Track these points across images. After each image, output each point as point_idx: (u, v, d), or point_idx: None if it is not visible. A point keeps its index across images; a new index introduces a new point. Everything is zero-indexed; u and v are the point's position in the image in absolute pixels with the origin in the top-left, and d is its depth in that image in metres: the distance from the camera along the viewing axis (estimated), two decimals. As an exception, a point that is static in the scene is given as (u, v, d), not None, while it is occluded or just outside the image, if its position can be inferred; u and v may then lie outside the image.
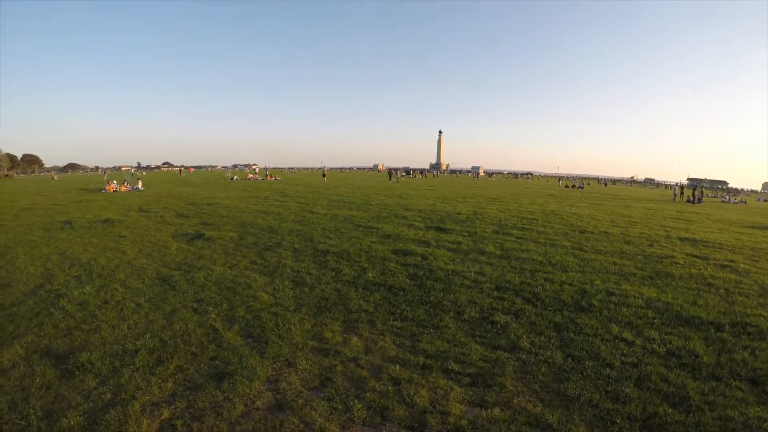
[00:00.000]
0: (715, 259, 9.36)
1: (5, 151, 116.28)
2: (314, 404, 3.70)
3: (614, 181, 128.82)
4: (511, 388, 4.03)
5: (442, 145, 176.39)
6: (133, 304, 6.11)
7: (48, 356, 4.58)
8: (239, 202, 19.65)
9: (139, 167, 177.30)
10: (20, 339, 4.98)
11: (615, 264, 8.56)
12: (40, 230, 12.23)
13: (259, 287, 6.87)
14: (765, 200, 62.12)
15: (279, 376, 4.19)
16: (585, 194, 38.26)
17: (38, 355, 4.60)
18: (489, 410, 3.65)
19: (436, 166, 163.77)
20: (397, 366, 4.40)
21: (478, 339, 5.08)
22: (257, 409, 3.65)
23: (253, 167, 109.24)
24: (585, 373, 4.28)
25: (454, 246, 9.97)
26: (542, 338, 5.10)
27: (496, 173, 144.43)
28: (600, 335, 5.16)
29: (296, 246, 9.85)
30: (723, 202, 42.91)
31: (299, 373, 4.23)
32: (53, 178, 65.84)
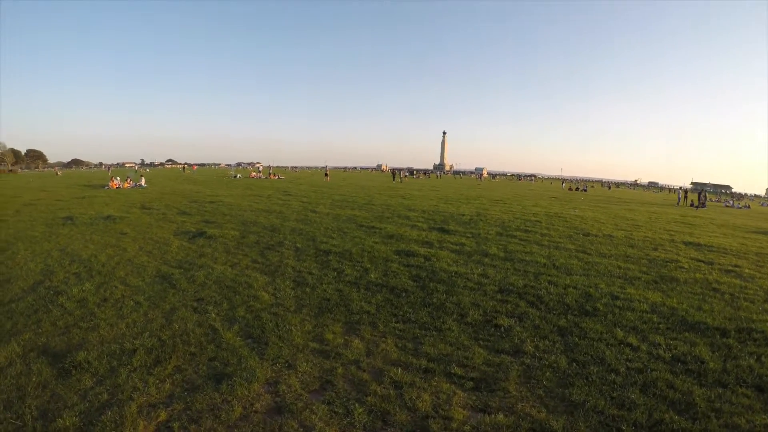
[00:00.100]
0: (719, 264, 9.26)
1: (9, 146, 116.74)
2: (314, 408, 3.62)
3: (618, 185, 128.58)
4: (515, 393, 3.95)
5: (446, 145, 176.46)
6: (132, 303, 6.05)
7: (45, 354, 4.52)
8: (242, 201, 19.62)
9: (142, 164, 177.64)
10: (18, 336, 4.92)
11: (619, 268, 8.48)
12: (42, 226, 12.20)
13: (260, 287, 6.81)
14: (769, 205, 61.78)
15: (279, 378, 4.12)
16: (588, 197, 38.16)
17: (35, 354, 4.54)
18: (492, 416, 3.58)
19: (439, 166, 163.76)
20: (399, 369, 4.32)
21: (481, 342, 5.00)
22: (256, 412, 3.58)
23: (257, 165, 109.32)
24: (590, 379, 4.21)
25: (458, 247, 9.90)
26: (546, 342, 5.02)
27: (499, 175, 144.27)
28: (605, 340, 5.08)
29: (298, 245, 9.79)
30: (727, 206, 42.66)
31: (299, 376, 4.16)
32: (57, 174, 66.02)
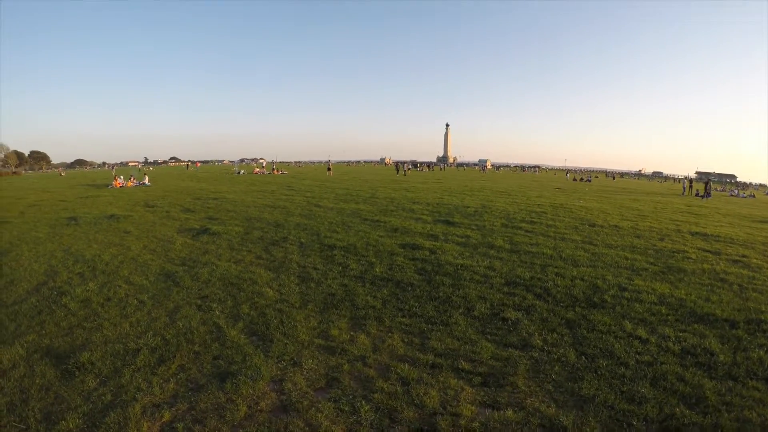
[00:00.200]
0: (727, 254, 9.14)
1: (12, 148, 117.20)
2: (320, 406, 3.57)
3: (622, 175, 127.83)
4: (523, 388, 3.89)
5: (449, 137, 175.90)
6: (136, 301, 6.02)
7: (49, 356, 4.48)
8: (245, 197, 19.58)
9: (146, 162, 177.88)
10: (21, 338, 4.89)
11: (626, 258, 8.38)
12: (46, 227, 12.19)
13: (264, 283, 6.76)
14: (774, 194, 61.18)
15: (284, 375, 4.07)
16: (593, 187, 37.92)
17: (39, 355, 4.51)
18: (501, 412, 3.52)
19: (443, 159, 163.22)
20: (406, 365, 4.27)
21: (488, 336, 4.94)
22: (261, 411, 3.53)
23: (260, 161, 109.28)
24: (599, 373, 4.15)
25: (463, 240, 9.81)
26: (555, 335, 4.95)
27: (503, 166, 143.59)
28: (613, 332, 5.01)
29: (302, 240, 9.73)
30: (732, 196, 42.31)
31: (305, 373, 4.11)
32: (60, 174, 66.27)
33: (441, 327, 5.16)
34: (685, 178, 48.11)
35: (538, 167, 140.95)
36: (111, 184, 29.16)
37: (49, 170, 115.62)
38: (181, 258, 8.34)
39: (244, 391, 3.76)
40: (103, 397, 3.72)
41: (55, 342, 4.79)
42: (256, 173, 48.28)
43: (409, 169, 65.21)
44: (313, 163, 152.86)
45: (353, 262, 7.88)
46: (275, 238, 10.09)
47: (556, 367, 4.25)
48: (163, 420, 3.41)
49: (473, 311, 5.63)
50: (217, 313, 5.56)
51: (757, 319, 5.41)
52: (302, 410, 3.52)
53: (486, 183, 35.54)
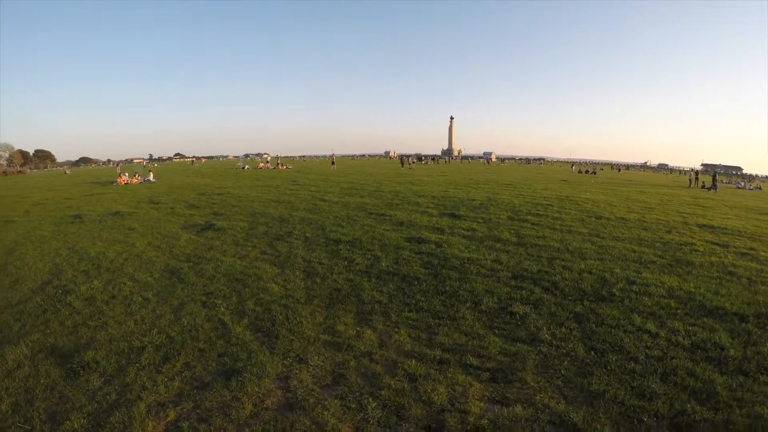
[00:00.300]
0: (734, 247, 8.99)
1: (17, 147, 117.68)
2: (326, 403, 3.53)
3: (627, 167, 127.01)
4: (532, 383, 3.83)
5: (454, 131, 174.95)
6: (140, 299, 5.99)
7: (53, 355, 4.47)
8: (250, 192, 19.53)
9: (151, 159, 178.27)
10: (26, 338, 4.88)
11: (634, 251, 8.27)
12: (51, 225, 12.21)
13: (269, 278, 6.72)
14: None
15: (290, 373, 4.03)
16: (599, 180, 37.62)
17: (43, 355, 4.49)
18: (510, 408, 3.47)
19: (447, 152, 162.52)
20: (413, 361, 4.21)
21: (496, 331, 4.87)
22: (267, 409, 3.48)
23: (265, 156, 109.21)
24: (609, 368, 4.09)
25: (469, 233, 9.73)
26: (563, 330, 4.88)
27: (508, 159, 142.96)
28: (623, 326, 4.94)
29: (307, 235, 9.68)
30: (738, 188, 41.84)
31: (311, 370, 4.07)
32: (65, 173, 66.43)
33: (448, 322, 5.11)
34: (691, 170, 47.68)
35: (543, 159, 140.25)
36: (116, 182, 29.18)
37: (54, 169, 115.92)
38: (185, 254, 8.32)
39: (249, 389, 3.72)
40: (107, 397, 3.69)
41: (59, 341, 4.77)
42: (261, 168, 48.17)
43: (414, 162, 64.98)
44: (317, 157, 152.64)
45: (359, 256, 7.83)
46: (280, 232, 10.04)
47: (565, 362, 4.19)
48: (168, 419, 3.38)
49: (480, 305, 5.56)
50: (222, 309, 5.53)
51: (767, 313, 5.32)
52: (308, 408, 3.47)
53: (491, 176, 35.33)
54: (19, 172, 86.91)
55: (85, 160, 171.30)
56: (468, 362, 4.18)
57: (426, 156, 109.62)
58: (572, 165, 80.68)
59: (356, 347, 4.51)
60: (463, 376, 3.96)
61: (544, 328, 4.91)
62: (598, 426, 3.25)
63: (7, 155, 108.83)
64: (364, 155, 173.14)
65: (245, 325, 5.06)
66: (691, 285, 6.32)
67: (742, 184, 48.72)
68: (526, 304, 5.59)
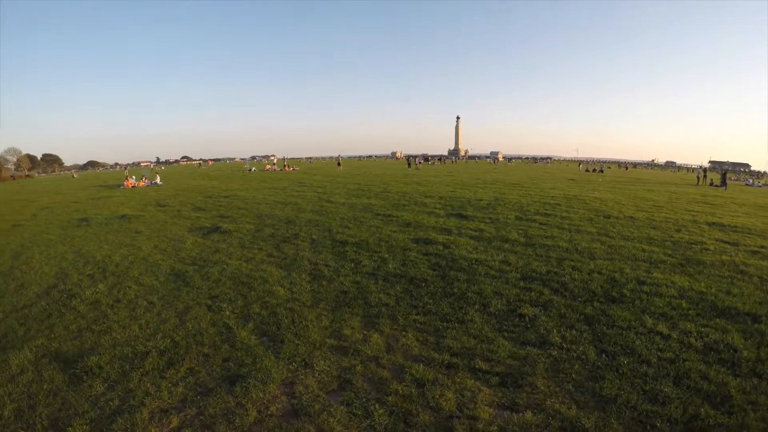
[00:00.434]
0: (745, 245, 8.80)
1: (25, 152, 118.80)
2: (332, 410, 3.45)
3: (635, 165, 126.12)
4: (543, 388, 3.74)
5: (460, 130, 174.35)
6: (145, 303, 5.95)
7: (57, 360, 4.43)
8: (257, 194, 19.53)
9: (158, 162, 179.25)
10: (30, 342, 4.85)
11: (643, 251, 8.12)
12: (57, 229, 12.25)
13: (275, 281, 6.66)
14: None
15: (295, 378, 3.95)
16: (606, 178, 37.31)
17: (47, 360, 4.46)
18: (520, 414, 3.38)
19: (454, 152, 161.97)
20: (421, 365, 4.13)
21: (505, 334, 4.77)
22: (271, 415, 3.41)
23: (271, 158, 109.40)
24: (620, 371, 3.98)
25: (477, 233, 9.62)
26: (573, 332, 4.77)
27: (515, 158, 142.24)
28: (634, 328, 4.83)
29: (314, 237, 9.62)
30: (747, 185, 41.36)
31: (316, 375, 3.99)
32: (73, 176, 66.90)
33: (456, 325, 5.01)
34: (699, 167, 47.20)
35: (550, 158, 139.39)
36: (123, 185, 29.32)
37: (62, 172, 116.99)
38: (191, 257, 8.28)
39: (254, 395, 3.65)
40: (110, 403, 3.64)
41: (63, 346, 4.74)
42: (268, 170, 48.25)
43: (420, 163, 64.81)
44: (324, 158, 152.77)
45: (365, 258, 7.75)
46: (286, 235, 9.99)
47: (576, 366, 4.09)
48: (171, 426, 3.32)
49: (489, 308, 5.46)
50: (228, 313, 5.47)
51: (780, 313, 5.18)
52: (314, 415, 3.40)
53: (498, 175, 35.14)
54: (27, 176, 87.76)
55: (92, 164, 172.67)
56: (477, 366, 4.09)
57: (433, 156, 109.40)
58: (579, 164, 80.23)
59: (363, 351, 4.43)
60: (472, 380, 3.87)
61: (554, 330, 4.81)
62: (611, 432, 3.15)
63: (15, 159, 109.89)
64: (370, 156, 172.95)
65: (250, 329, 5.00)
66: (703, 285, 6.19)
67: (751, 181, 48.15)
68: (535, 306, 5.49)
